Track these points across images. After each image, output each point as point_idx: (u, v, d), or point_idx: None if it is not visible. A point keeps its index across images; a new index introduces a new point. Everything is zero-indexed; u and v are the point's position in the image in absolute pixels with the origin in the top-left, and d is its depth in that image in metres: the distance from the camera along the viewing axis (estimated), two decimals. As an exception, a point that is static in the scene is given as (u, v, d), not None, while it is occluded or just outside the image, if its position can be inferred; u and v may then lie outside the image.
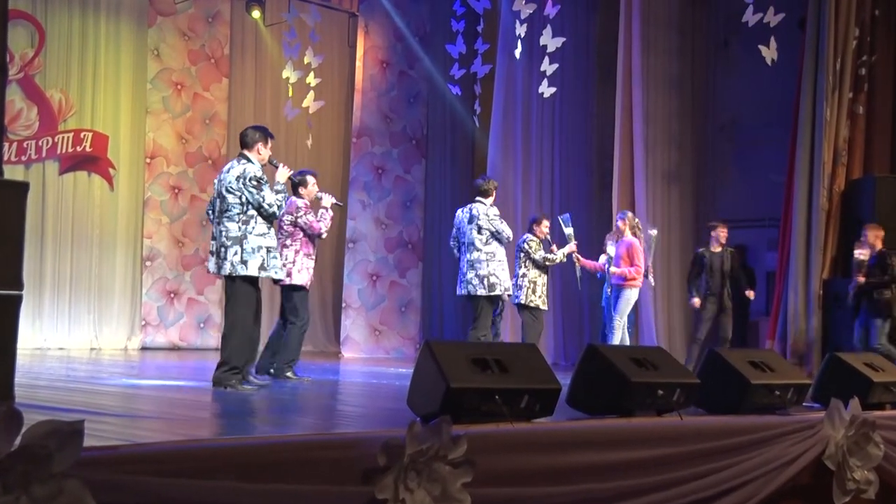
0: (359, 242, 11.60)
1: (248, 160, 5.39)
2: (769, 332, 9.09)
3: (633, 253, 7.92)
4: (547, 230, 7.82)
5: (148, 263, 10.59)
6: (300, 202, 6.40)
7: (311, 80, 10.38)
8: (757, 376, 4.32)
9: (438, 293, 11.91)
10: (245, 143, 5.46)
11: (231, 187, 5.32)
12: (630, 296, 7.88)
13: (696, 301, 8.16)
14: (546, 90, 8.82)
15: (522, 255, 7.71)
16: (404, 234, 11.96)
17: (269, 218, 5.30)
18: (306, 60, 10.41)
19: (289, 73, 10.49)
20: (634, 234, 7.99)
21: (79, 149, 10.14)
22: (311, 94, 10.49)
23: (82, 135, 10.16)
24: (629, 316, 8.49)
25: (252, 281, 5.32)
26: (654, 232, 8.42)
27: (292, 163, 11.82)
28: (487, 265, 6.85)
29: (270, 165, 5.50)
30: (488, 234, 6.87)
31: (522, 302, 7.57)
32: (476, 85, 10.15)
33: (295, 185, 6.47)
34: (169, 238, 10.75)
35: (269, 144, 5.48)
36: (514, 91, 10.64)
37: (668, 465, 3.54)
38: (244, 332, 5.31)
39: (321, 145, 11.96)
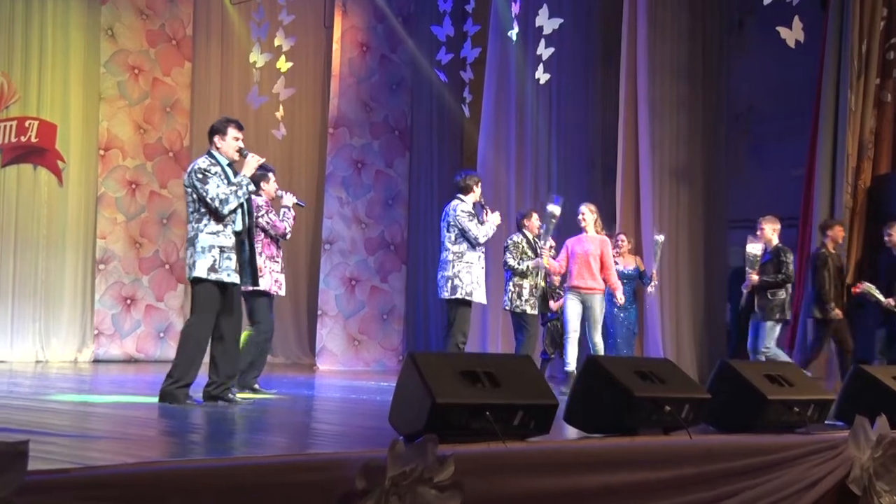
0: (336, 244, 11.59)
1: (210, 155, 5.45)
2: (787, 343, 9.14)
3: (607, 255, 7.68)
4: (539, 223, 7.82)
5: (101, 267, 10.55)
6: (260, 200, 6.48)
7: (283, 64, 10.35)
8: (774, 391, 4.35)
9: (423, 300, 11.92)
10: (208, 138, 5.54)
11: (185, 185, 5.41)
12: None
13: (839, 312, 7.82)
14: (542, 76, 8.85)
15: (507, 255, 7.80)
16: (386, 235, 11.96)
17: (216, 214, 5.28)
18: (277, 43, 10.39)
19: (256, 57, 10.47)
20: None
21: (23, 139, 10.09)
22: (282, 80, 10.47)
23: (27, 123, 10.11)
24: (633, 325, 8.49)
25: (209, 284, 5.30)
26: (660, 238, 8.42)
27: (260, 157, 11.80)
28: (453, 266, 6.95)
29: (242, 158, 5.51)
30: (456, 231, 6.94)
31: (507, 308, 7.66)
32: (465, 71, 10.15)
33: (255, 183, 6.55)
34: (125, 239, 10.71)
35: (232, 135, 5.46)
36: (508, 77, 10.66)
37: (676, 489, 3.55)
38: (196, 343, 5.31)
39: (294, 137, 11.94)
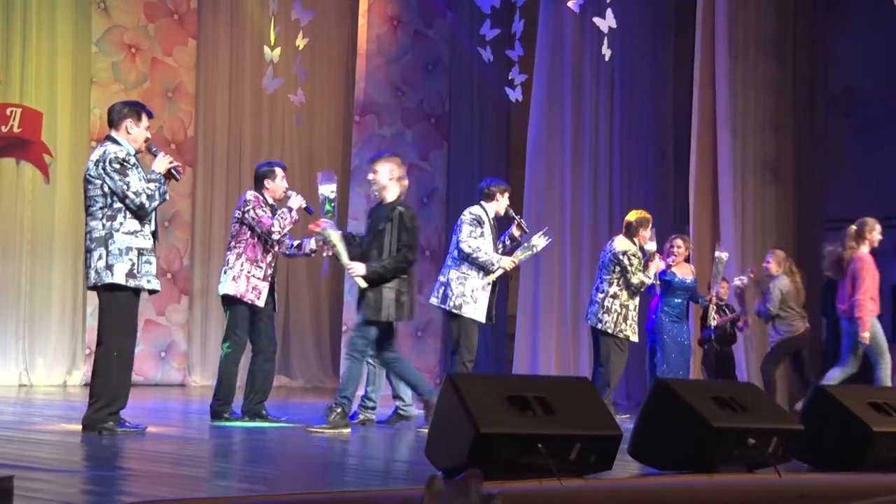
0: (362, 249, 11.64)
1: (114, 141, 5.52)
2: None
3: None
4: (649, 236, 7.86)
5: (93, 276, 10.68)
6: (250, 194, 6.54)
7: (300, 41, 10.42)
8: (881, 422, 4.31)
9: (465, 315, 11.92)
10: (110, 121, 5.61)
11: (90, 175, 5.43)
12: None
13: None
14: (605, 52, 8.85)
15: (617, 269, 7.76)
16: (421, 239, 11.96)
17: (139, 212, 5.40)
18: (293, 16, 10.46)
19: (270, 33, 10.54)
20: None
21: (4, 129, 10.26)
22: (300, 59, 10.54)
23: (9, 111, 10.27)
24: (689, 342, 8.36)
25: (126, 291, 5.40)
26: (723, 255, 8.39)
27: (277, 150, 11.95)
28: (449, 272, 7.03)
29: (149, 153, 5.60)
30: (459, 234, 7.07)
31: (609, 331, 7.64)
32: (514, 48, 10.15)
33: (259, 178, 6.63)
34: (120, 244, 10.83)
35: (146, 124, 5.57)
36: (562, 55, 10.65)
37: (763, 536, 3.53)
38: (122, 361, 5.42)
39: (314, 126, 12.01)
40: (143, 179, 5.42)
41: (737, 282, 8.71)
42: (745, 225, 9.50)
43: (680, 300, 8.16)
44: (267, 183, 6.63)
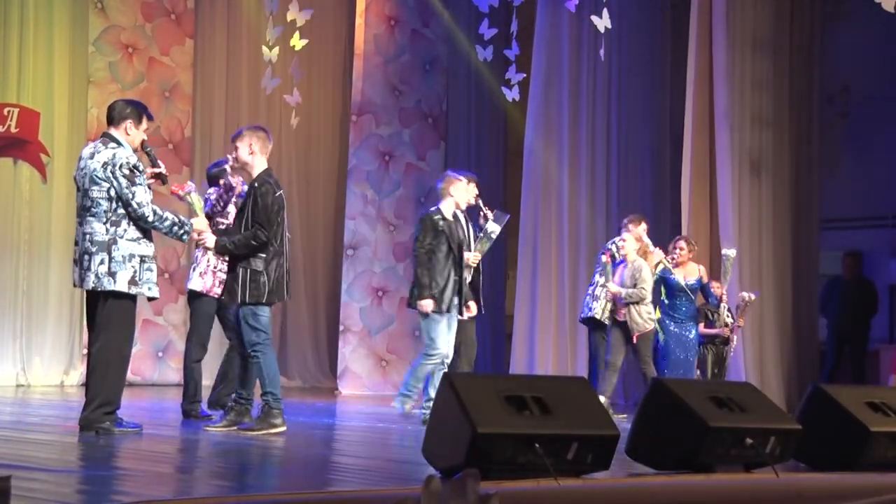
0: (360, 249, 11.64)
1: (117, 142, 5.51)
2: (894, 365, 9.03)
3: None
4: (644, 232, 8.11)
5: (90, 276, 10.67)
6: (212, 192, 6.58)
7: (297, 42, 10.41)
8: (878, 422, 4.31)
9: (462, 314, 11.91)
10: (110, 118, 5.60)
11: (97, 177, 5.43)
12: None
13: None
14: (601, 51, 8.87)
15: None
16: (418, 239, 11.98)
17: (139, 221, 5.44)
18: (290, 17, 10.45)
19: (269, 34, 10.52)
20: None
21: (1, 129, 10.25)
22: (297, 61, 10.52)
23: (6, 111, 10.27)
24: (694, 345, 8.37)
25: (128, 297, 5.46)
26: (731, 252, 8.42)
27: (274, 150, 11.87)
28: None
29: (144, 153, 5.66)
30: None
31: (597, 317, 7.95)
32: (511, 47, 10.14)
33: (212, 178, 6.68)
34: (117, 244, 10.82)
35: (145, 126, 5.63)
36: (559, 54, 10.64)
37: (761, 536, 3.53)
38: (120, 363, 5.48)
39: (311, 126, 12.00)
40: (147, 192, 5.49)
41: (745, 296, 8.53)
42: (741, 224, 9.49)
43: (681, 302, 8.18)
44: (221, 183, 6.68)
